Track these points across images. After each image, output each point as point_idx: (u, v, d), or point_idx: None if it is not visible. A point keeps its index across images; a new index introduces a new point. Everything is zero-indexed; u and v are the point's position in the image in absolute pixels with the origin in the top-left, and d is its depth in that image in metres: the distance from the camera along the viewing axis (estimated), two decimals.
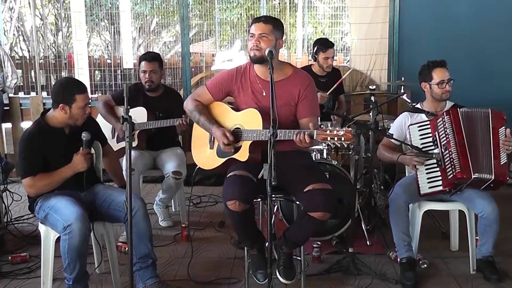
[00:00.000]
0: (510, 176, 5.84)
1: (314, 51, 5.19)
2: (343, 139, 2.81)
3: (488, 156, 3.54)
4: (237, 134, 3.26)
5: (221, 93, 3.40)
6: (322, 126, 4.33)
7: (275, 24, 3.19)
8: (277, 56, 3.25)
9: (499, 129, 3.59)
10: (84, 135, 3.32)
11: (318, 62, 5.16)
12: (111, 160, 3.80)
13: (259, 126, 3.14)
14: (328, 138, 2.83)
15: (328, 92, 4.92)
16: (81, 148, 3.31)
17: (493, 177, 3.50)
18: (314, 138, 2.89)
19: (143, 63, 4.60)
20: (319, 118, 3.51)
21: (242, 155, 3.21)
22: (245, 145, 3.20)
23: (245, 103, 3.31)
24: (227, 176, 3.16)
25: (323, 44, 5.13)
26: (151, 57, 4.62)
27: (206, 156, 3.44)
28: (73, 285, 3.19)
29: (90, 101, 3.42)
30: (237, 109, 3.37)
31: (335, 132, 2.82)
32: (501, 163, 3.53)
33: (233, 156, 3.25)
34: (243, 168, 3.14)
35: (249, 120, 3.22)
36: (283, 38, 3.30)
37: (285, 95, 3.24)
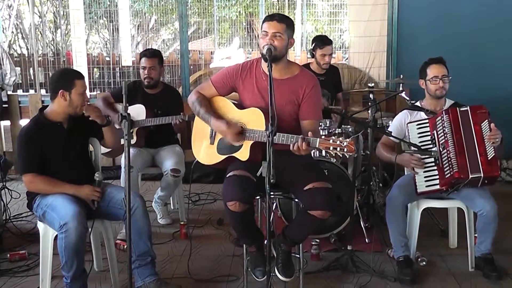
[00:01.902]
0: (508, 174, 5.90)
1: (312, 47, 5.19)
2: (345, 150, 2.81)
3: (474, 153, 3.52)
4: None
5: (225, 87, 3.38)
6: (321, 124, 4.34)
7: (288, 23, 3.18)
8: (287, 55, 3.25)
9: (482, 124, 3.57)
10: (97, 176, 3.38)
11: (315, 59, 5.16)
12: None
13: (261, 126, 3.12)
14: (331, 148, 2.83)
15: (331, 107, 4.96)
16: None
17: (482, 175, 3.50)
18: (317, 146, 2.89)
19: (142, 59, 4.60)
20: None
21: (243, 154, 3.19)
22: (247, 144, 3.19)
23: (250, 100, 3.29)
24: (227, 176, 3.14)
25: (321, 41, 5.13)
26: (151, 53, 4.63)
27: (206, 151, 3.42)
28: (71, 283, 3.19)
29: (86, 88, 3.44)
30: (241, 105, 3.35)
31: (338, 142, 2.82)
32: (489, 158, 3.51)
33: (233, 155, 3.24)
34: (242, 168, 3.12)
35: (252, 120, 3.20)
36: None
37: (290, 93, 3.23)
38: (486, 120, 3.56)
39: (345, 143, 2.81)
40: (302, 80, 3.27)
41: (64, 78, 3.36)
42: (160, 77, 4.69)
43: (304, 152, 2.92)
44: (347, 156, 2.84)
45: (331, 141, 2.84)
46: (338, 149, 2.81)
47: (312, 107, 3.27)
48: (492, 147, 3.50)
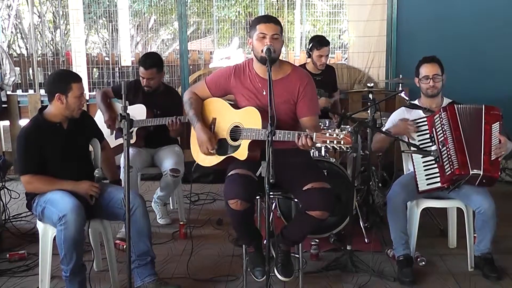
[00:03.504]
0: (508, 174, 5.90)
1: (309, 47, 5.17)
2: (342, 142, 2.81)
3: (478, 151, 3.53)
4: (236, 132, 3.26)
5: (219, 89, 3.40)
6: (320, 124, 4.34)
7: (280, 25, 3.22)
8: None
9: (493, 125, 3.57)
10: (97, 172, 3.41)
11: (312, 59, 5.14)
12: (106, 154, 3.76)
13: (258, 125, 3.14)
14: (328, 141, 2.84)
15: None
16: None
17: (481, 173, 3.50)
18: (314, 140, 2.89)
19: (141, 68, 4.54)
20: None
21: (241, 154, 3.20)
22: (244, 144, 3.19)
23: (244, 101, 3.31)
24: (228, 174, 3.15)
25: (318, 42, 5.10)
26: (149, 64, 4.51)
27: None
28: (70, 277, 3.19)
29: (84, 91, 3.43)
30: (237, 106, 3.36)
31: (334, 135, 2.82)
32: (492, 159, 3.52)
33: (232, 155, 3.25)
34: (243, 167, 3.13)
35: (248, 119, 3.21)
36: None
37: (285, 93, 3.24)
38: (498, 122, 3.58)
39: (341, 136, 2.80)
40: (296, 79, 3.28)
41: (60, 81, 3.33)
42: (160, 81, 4.67)
43: (308, 148, 2.95)
44: (345, 149, 2.83)
45: (327, 134, 2.84)
46: (335, 142, 2.81)
47: (309, 104, 3.28)
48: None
